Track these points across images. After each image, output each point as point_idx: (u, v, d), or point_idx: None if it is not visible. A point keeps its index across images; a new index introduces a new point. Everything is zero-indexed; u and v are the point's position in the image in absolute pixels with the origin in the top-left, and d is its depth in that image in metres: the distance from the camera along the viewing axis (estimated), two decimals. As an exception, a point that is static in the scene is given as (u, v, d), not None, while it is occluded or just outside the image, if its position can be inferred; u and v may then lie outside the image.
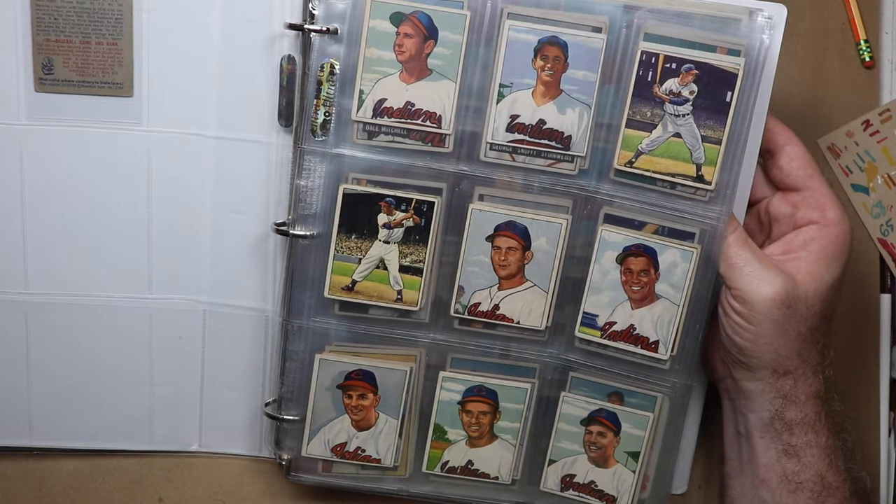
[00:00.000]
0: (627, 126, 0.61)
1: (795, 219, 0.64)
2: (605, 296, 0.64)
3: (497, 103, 0.61)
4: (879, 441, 0.74)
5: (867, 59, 0.73)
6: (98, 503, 0.72)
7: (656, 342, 0.64)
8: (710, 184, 0.61)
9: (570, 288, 0.65)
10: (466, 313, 0.65)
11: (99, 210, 0.67)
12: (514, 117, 0.62)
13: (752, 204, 0.66)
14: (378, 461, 0.68)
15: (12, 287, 0.68)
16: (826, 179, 0.65)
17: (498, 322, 0.65)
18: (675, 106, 0.60)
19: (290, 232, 0.64)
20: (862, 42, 0.73)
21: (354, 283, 0.64)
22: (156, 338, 0.69)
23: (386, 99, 0.62)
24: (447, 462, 0.69)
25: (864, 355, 0.75)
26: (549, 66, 0.61)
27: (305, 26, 0.62)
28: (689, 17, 0.60)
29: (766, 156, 0.65)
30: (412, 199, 0.63)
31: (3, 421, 0.70)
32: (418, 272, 0.64)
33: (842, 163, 0.74)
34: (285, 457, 0.68)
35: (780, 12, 0.60)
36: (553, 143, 0.62)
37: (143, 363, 0.69)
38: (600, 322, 0.65)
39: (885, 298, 0.75)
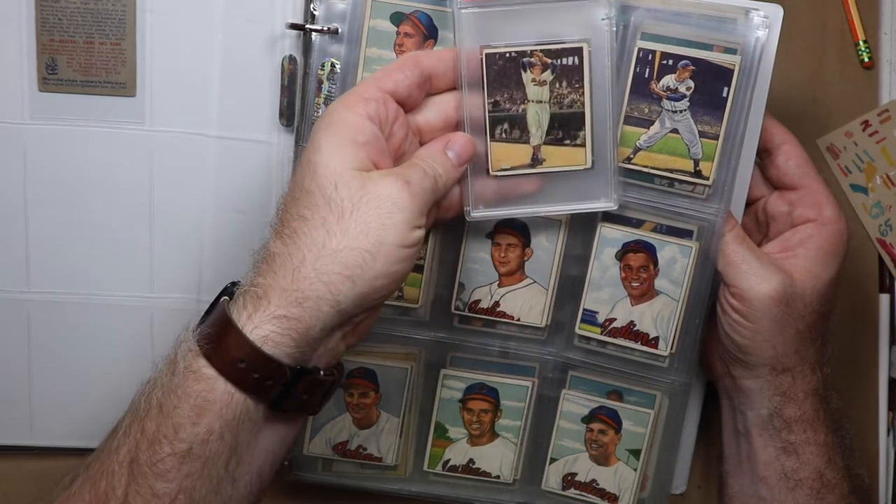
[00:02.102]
0: (625, 122, 0.61)
1: (792, 217, 0.64)
2: (604, 292, 0.65)
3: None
4: (878, 440, 0.74)
5: (866, 59, 0.73)
6: (99, 502, 0.72)
7: (656, 338, 0.65)
8: (707, 179, 0.61)
9: (570, 286, 0.65)
10: (467, 310, 0.65)
11: (101, 209, 0.67)
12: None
13: (749, 203, 0.66)
14: (380, 459, 0.68)
15: (15, 286, 0.68)
16: (824, 179, 0.65)
17: (498, 319, 0.66)
18: (672, 102, 0.60)
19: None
20: (861, 42, 0.73)
21: (355, 280, 0.65)
22: (157, 337, 0.69)
23: (386, 97, 0.62)
24: (448, 460, 0.69)
25: (864, 355, 0.75)
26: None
27: (307, 26, 0.63)
28: (686, 17, 0.60)
29: (764, 155, 0.65)
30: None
31: (4, 419, 0.70)
32: (419, 269, 0.64)
33: (841, 163, 0.75)
34: (286, 455, 0.69)
35: (776, 12, 0.61)
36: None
37: (144, 362, 0.69)
38: (600, 319, 0.65)
39: (884, 298, 0.75)
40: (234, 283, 0.54)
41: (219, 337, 0.50)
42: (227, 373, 0.49)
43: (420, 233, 0.52)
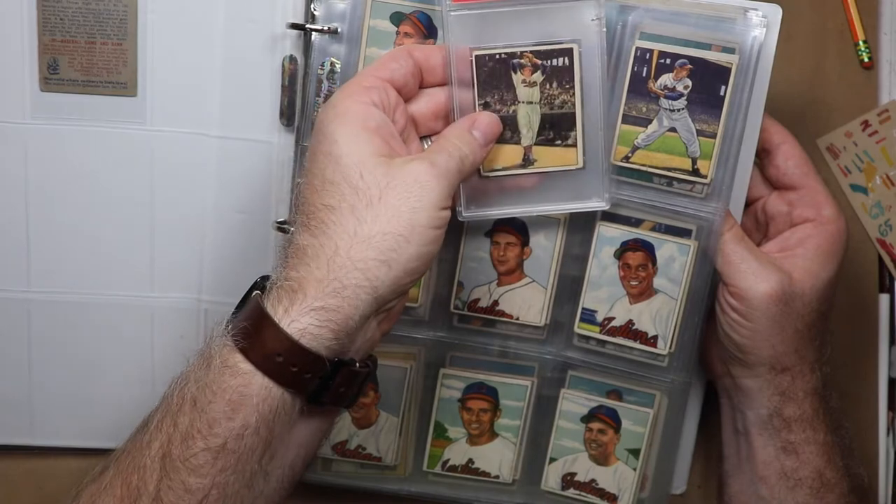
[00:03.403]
0: (623, 121, 0.61)
1: (792, 217, 0.64)
2: (603, 291, 0.65)
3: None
4: (878, 440, 0.74)
5: (866, 59, 0.73)
6: (99, 502, 0.72)
7: (655, 337, 0.65)
8: (705, 178, 0.61)
9: (569, 285, 0.65)
10: (466, 309, 0.65)
11: (102, 208, 0.67)
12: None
13: (748, 203, 0.66)
14: (379, 459, 0.68)
15: (15, 285, 0.68)
16: (823, 179, 0.65)
17: (497, 318, 0.66)
18: (669, 101, 0.60)
19: (292, 231, 0.65)
20: (861, 42, 0.73)
21: (354, 279, 0.65)
22: (157, 336, 0.69)
23: (386, 96, 0.62)
24: (448, 460, 0.69)
25: (863, 355, 0.75)
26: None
27: (307, 26, 0.63)
28: (685, 17, 0.60)
29: (763, 155, 0.65)
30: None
31: (5, 419, 0.70)
32: (418, 269, 0.65)
33: (840, 163, 0.75)
34: (285, 454, 0.69)
35: (775, 12, 0.61)
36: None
37: (144, 362, 0.70)
38: (599, 318, 0.65)
39: (884, 298, 0.75)
40: (264, 278, 0.54)
41: (255, 331, 0.49)
42: (265, 367, 0.49)
43: (447, 213, 0.52)
